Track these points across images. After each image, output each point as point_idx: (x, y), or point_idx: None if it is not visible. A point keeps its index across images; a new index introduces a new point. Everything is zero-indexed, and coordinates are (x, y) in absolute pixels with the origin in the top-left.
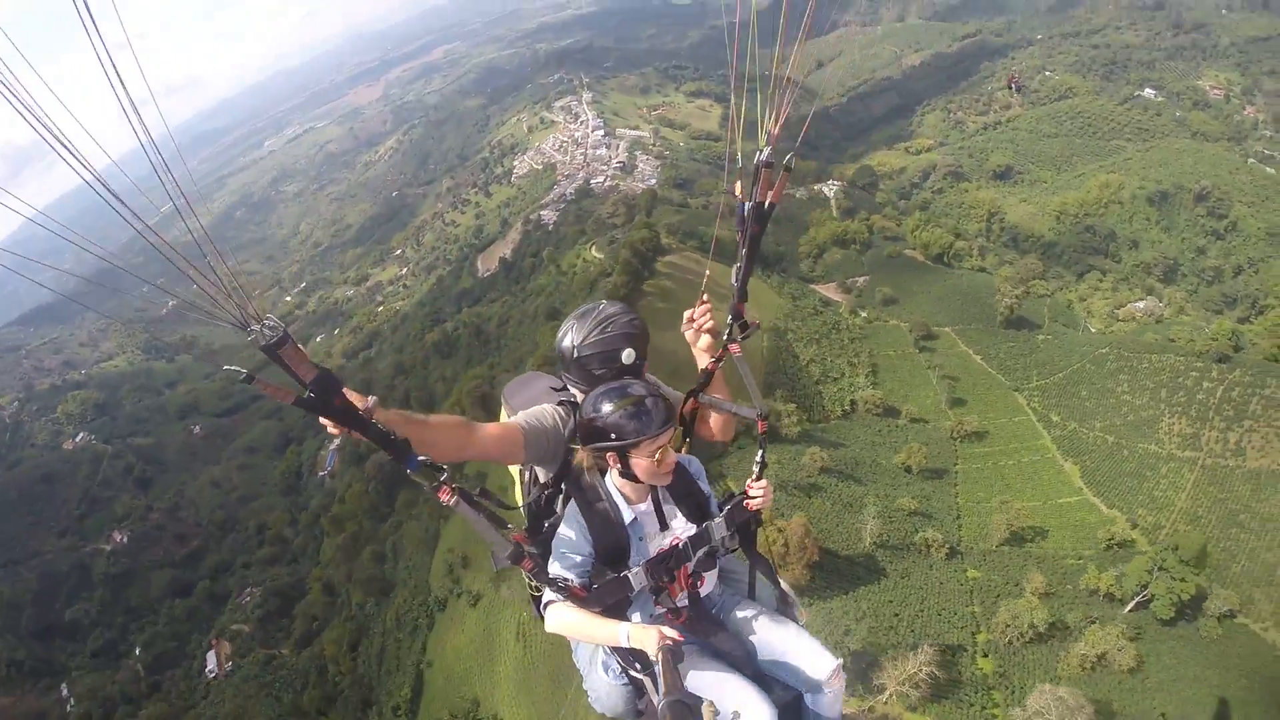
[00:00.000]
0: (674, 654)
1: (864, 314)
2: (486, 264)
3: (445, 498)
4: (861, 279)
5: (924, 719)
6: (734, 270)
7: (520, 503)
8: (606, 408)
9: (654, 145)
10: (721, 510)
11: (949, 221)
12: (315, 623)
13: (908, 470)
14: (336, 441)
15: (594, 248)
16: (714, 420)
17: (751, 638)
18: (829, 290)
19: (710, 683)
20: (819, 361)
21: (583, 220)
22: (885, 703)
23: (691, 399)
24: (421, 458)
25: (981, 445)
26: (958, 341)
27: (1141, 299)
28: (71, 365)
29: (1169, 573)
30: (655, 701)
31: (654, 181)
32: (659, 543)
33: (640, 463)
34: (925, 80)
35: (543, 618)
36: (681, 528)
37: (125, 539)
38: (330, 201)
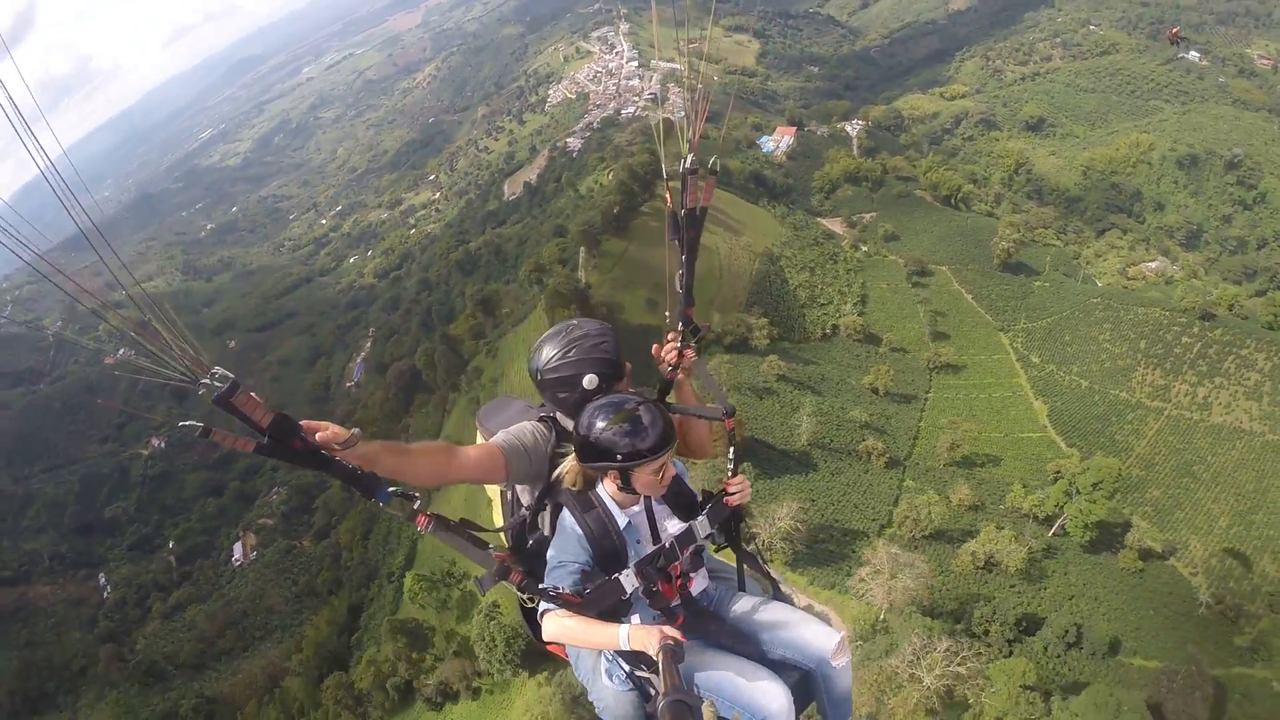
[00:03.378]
0: (674, 653)
1: (864, 248)
2: (512, 188)
3: (421, 525)
4: (868, 215)
5: (799, 578)
6: (677, 277)
7: (500, 524)
8: (600, 424)
9: (687, 78)
10: (703, 509)
11: (973, 168)
12: (334, 517)
13: (874, 391)
14: (363, 354)
15: (610, 173)
16: (691, 436)
17: (752, 625)
18: (834, 224)
19: (720, 673)
20: (808, 288)
21: (604, 148)
22: (769, 559)
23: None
24: (393, 489)
25: (956, 378)
26: (951, 280)
27: (1155, 260)
28: (112, 287)
29: (1082, 496)
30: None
31: (683, 114)
32: (655, 545)
33: (642, 478)
34: (969, 26)
35: (535, 634)
36: (675, 527)
37: (162, 444)
38: (367, 128)
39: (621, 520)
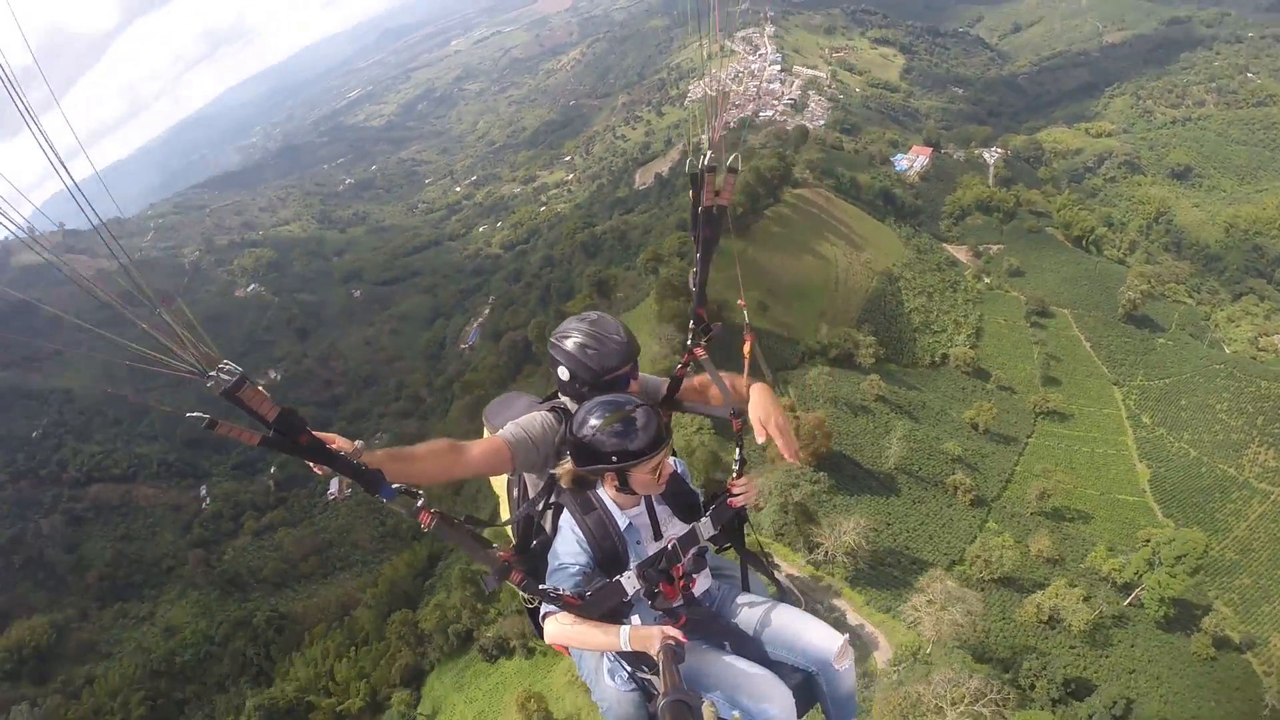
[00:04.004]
0: (674, 653)
1: (987, 280)
2: (643, 178)
3: (425, 522)
4: (995, 247)
5: (857, 595)
6: (690, 275)
7: (506, 518)
8: (594, 423)
9: (829, 87)
10: (707, 510)
11: (1110, 211)
12: None
13: (974, 427)
14: (480, 319)
15: (745, 173)
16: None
17: (754, 627)
18: (960, 252)
19: (722, 674)
20: (923, 313)
21: (738, 147)
22: (829, 570)
23: (663, 408)
24: (396, 485)
25: (1061, 426)
26: (1072, 324)
27: None
28: (250, 226)
29: (1164, 568)
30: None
31: (821, 122)
32: (657, 545)
33: (639, 478)
34: (1122, 61)
35: (540, 632)
36: (677, 527)
37: (278, 376)
38: (509, 104)
39: (622, 521)
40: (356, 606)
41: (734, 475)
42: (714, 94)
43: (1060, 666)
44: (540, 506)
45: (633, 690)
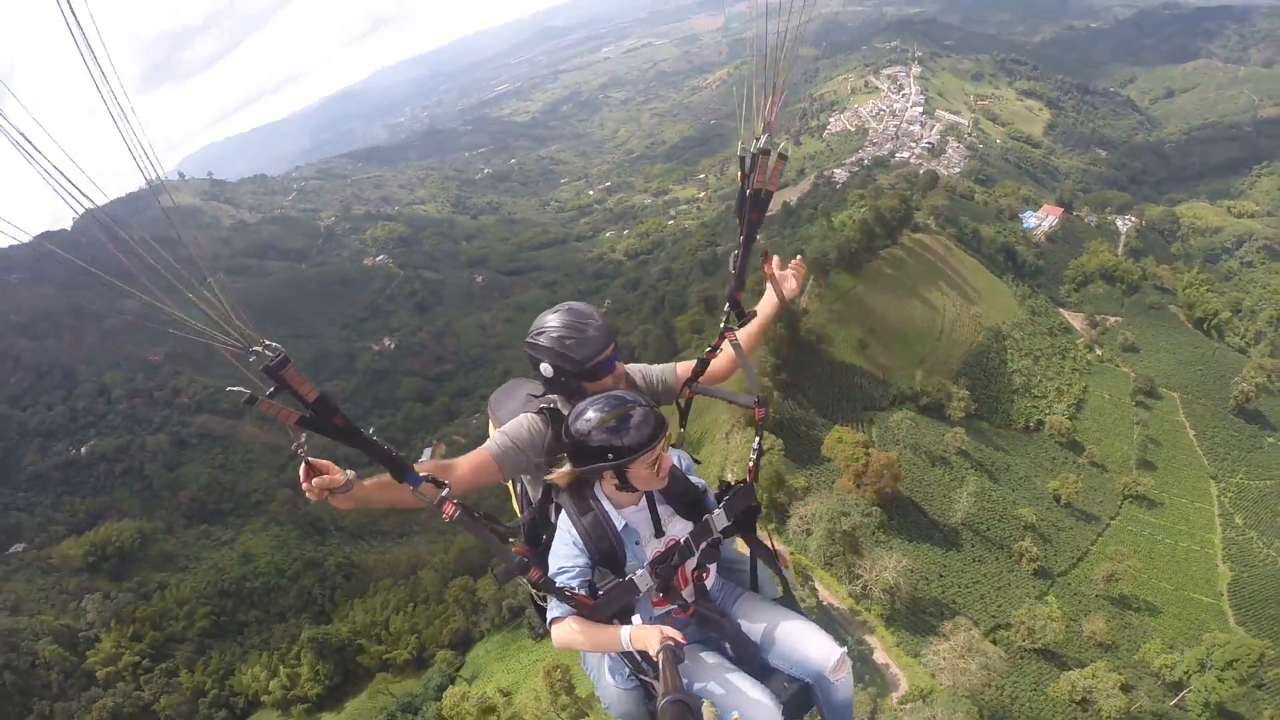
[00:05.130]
0: (674, 653)
1: (1098, 351)
2: (772, 205)
3: (448, 513)
4: (1113, 319)
5: (889, 635)
6: (732, 258)
7: (518, 516)
8: (591, 417)
9: (969, 134)
10: (720, 501)
11: (1240, 297)
12: None
13: (1055, 499)
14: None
15: (866, 211)
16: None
17: (756, 629)
18: (1075, 319)
19: (715, 680)
20: (1025, 375)
21: (867, 185)
22: (866, 606)
23: (686, 389)
24: (425, 475)
25: (1149, 513)
26: (1178, 409)
27: None
28: (387, 201)
29: (1213, 671)
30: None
31: (957, 170)
32: (656, 544)
33: (638, 474)
34: (1275, 138)
35: (548, 630)
36: (679, 526)
37: (392, 345)
38: (651, 115)
39: (619, 522)
40: (423, 568)
41: (751, 462)
42: (771, 74)
43: None
44: (545, 506)
45: (634, 688)
